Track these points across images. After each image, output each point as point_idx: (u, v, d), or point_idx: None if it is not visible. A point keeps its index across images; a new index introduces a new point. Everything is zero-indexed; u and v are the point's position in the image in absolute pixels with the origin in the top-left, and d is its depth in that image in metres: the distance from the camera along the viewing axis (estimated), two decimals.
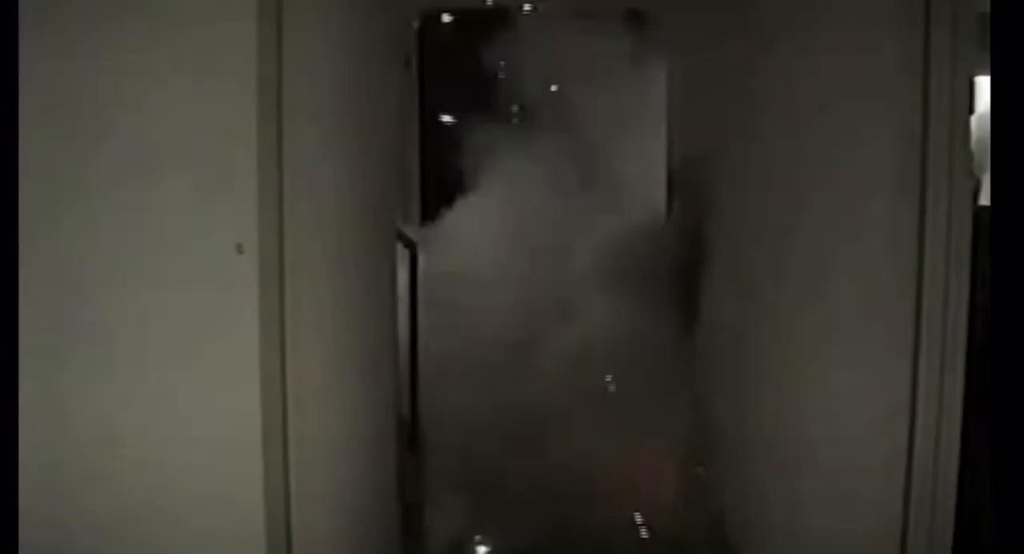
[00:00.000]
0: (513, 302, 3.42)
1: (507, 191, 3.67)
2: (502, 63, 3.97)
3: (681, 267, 3.09)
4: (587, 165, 3.75)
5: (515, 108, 4.02)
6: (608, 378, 3.44)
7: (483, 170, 3.78)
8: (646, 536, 3.04)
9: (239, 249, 1.58)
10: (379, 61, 2.27)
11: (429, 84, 3.83)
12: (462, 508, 3.00)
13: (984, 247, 1.71)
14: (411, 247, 2.98)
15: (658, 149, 3.49)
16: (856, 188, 1.88)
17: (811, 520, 1.96)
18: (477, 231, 3.61)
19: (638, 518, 3.08)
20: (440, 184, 3.88)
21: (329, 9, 1.83)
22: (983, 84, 2.04)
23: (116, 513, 1.62)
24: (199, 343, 1.60)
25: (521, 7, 3.74)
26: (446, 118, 4.09)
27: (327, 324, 1.83)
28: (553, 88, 4.00)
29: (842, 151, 1.92)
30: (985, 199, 1.72)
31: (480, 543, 3.03)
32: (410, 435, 2.88)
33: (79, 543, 1.63)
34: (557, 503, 2.98)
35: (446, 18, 3.99)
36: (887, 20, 1.76)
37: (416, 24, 3.57)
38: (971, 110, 1.80)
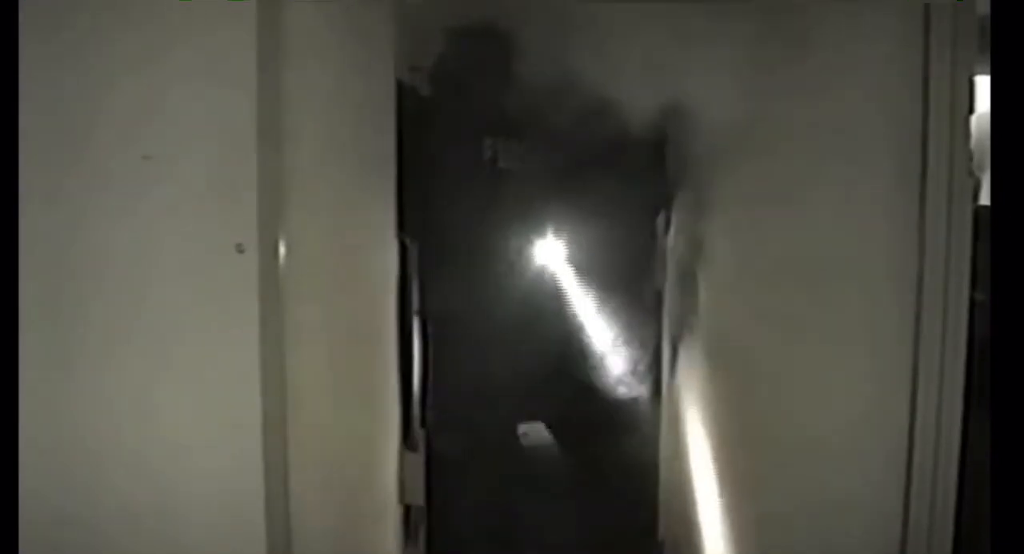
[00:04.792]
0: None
1: None
2: None
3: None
4: None
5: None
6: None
7: None
8: None
9: (239, 249, 1.58)
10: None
11: None
12: None
13: (984, 246, 1.71)
14: (412, 246, 2.97)
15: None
16: (855, 187, 1.88)
17: (810, 519, 1.96)
18: None
19: None
20: None
21: (331, 10, 1.82)
22: (983, 84, 2.04)
23: (114, 514, 1.62)
24: (199, 343, 1.60)
25: None
26: None
27: (327, 324, 1.83)
28: None
29: (842, 148, 1.92)
30: (985, 199, 1.73)
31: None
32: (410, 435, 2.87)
33: (78, 544, 1.63)
34: None
35: None
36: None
37: None
38: (971, 110, 1.80)
